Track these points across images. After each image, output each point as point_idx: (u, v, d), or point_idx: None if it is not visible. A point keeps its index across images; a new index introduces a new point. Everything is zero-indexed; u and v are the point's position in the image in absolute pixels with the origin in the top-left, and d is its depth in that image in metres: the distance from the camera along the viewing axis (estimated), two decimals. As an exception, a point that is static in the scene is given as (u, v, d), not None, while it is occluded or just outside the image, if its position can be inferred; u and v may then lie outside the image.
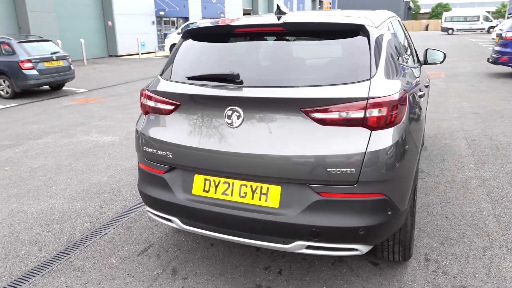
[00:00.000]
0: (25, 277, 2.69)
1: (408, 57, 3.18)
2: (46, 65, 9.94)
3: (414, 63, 3.42)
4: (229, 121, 2.17)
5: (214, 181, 2.26)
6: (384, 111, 2.02)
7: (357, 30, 2.26)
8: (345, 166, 1.99)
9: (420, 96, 2.84)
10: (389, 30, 2.62)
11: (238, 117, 2.15)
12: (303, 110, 2.03)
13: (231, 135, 2.16)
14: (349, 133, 2.02)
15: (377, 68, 2.14)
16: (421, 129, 2.67)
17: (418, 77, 3.01)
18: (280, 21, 2.31)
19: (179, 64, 2.51)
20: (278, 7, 2.61)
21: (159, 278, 2.62)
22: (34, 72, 9.65)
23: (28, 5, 17.10)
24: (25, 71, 9.53)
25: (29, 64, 9.55)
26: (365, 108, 2.00)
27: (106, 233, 3.22)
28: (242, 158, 2.11)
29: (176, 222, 2.40)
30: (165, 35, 25.44)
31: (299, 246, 2.12)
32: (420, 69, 3.49)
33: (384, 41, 2.36)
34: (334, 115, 2.01)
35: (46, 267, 2.79)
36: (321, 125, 2.03)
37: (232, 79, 2.20)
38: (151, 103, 2.46)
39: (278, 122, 2.10)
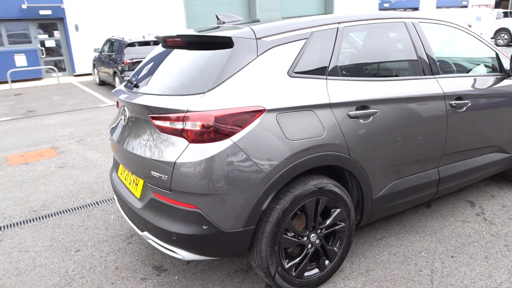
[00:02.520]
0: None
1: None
2: None
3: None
4: (122, 118, 2.61)
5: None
6: (198, 126, 2.05)
7: (226, 42, 2.26)
8: (161, 171, 2.15)
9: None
10: (309, 39, 2.39)
11: (125, 116, 2.56)
12: (150, 116, 2.27)
13: (123, 130, 2.59)
14: (172, 142, 2.15)
15: (222, 82, 2.13)
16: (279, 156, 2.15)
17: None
18: (176, 34, 2.53)
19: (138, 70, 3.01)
20: (216, 16, 2.79)
21: (117, 238, 3.29)
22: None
23: (258, 5, 19.96)
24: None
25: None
26: (183, 120, 2.08)
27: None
28: (124, 151, 2.51)
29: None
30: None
31: (146, 235, 2.40)
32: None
33: (268, 54, 2.25)
34: (164, 124, 2.17)
35: (78, 210, 3.87)
36: (158, 131, 2.23)
37: (135, 85, 2.61)
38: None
39: (141, 125, 2.40)
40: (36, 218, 3.73)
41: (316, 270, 2.50)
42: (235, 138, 2.07)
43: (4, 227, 3.59)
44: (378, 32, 2.78)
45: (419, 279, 2.57)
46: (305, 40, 2.40)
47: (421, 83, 2.79)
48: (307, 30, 2.43)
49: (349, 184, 2.63)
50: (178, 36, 2.52)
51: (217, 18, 2.83)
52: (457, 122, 2.96)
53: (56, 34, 14.74)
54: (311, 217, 2.37)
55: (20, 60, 13.87)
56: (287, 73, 2.28)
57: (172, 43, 2.64)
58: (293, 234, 2.35)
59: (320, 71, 2.40)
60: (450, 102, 2.89)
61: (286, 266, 2.35)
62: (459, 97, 2.96)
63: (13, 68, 13.41)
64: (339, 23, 2.56)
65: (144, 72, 2.68)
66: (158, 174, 2.17)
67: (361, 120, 2.45)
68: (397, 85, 2.66)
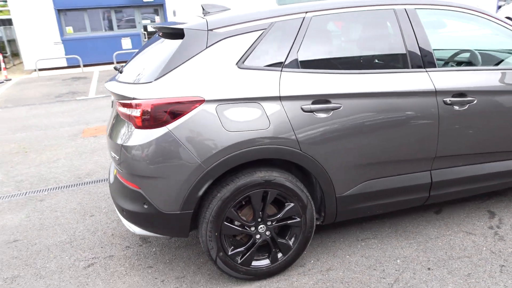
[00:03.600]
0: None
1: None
2: None
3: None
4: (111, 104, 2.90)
5: None
6: (138, 113, 2.21)
7: (180, 34, 2.37)
8: (115, 152, 2.38)
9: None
10: (268, 30, 2.36)
11: (112, 102, 2.84)
12: (116, 102, 2.50)
13: (111, 114, 2.89)
14: (126, 127, 2.36)
15: (168, 72, 2.25)
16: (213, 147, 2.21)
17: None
18: (156, 25, 2.70)
19: None
20: (202, 7, 2.91)
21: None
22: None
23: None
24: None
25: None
26: (130, 107, 2.26)
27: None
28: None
29: None
30: (498, 7, 21.60)
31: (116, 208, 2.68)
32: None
33: (219, 45, 2.30)
34: (122, 110, 2.38)
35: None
36: (120, 116, 2.45)
37: (121, 72, 2.85)
38: None
39: (114, 110, 2.65)
40: (77, 184, 4.32)
41: (267, 262, 2.52)
42: (171, 126, 2.19)
43: (51, 189, 4.24)
44: (356, 22, 2.60)
45: (376, 286, 2.42)
46: (263, 31, 2.38)
47: (403, 77, 2.54)
48: (267, 21, 2.40)
49: (313, 180, 2.56)
50: (154, 26, 2.70)
51: (203, 9, 2.92)
52: (455, 122, 2.63)
53: (157, 19, 16.08)
54: (258, 208, 2.39)
55: (126, 43, 15.51)
56: (236, 64, 2.30)
57: (158, 32, 2.83)
58: (239, 223, 2.40)
59: (275, 63, 2.36)
60: (445, 99, 2.58)
61: (230, 253, 2.42)
62: (460, 93, 2.62)
63: (120, 50, 15.07)
64: (306, 12, 2.46)
65: (131, 61, 2.92)
66: (114, 154, 2.41)
67: (318, 115, 2.36)
68: (369, 78, 2.47)
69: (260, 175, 2.34)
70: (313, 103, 2.35)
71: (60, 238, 3.23)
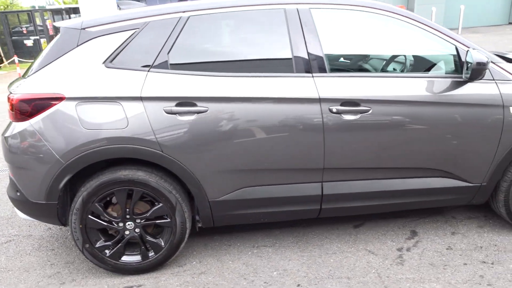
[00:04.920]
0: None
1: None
2: None
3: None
4: None
5: None
6: (9, 106, 2.36)
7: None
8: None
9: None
10: (141, 30, 2.37)
11: None
12: None
13: None
14: None
15: (40, 69, 2.36)
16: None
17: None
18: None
19: None
20: (117, 4, 2.99)
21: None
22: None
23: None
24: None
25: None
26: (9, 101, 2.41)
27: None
28: None
29: None
30: None
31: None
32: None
33: (88, 44, 2.37)
34: None
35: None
36: None
37: None
38: None
39: None
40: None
41: (138, 258, 2.57)
42: (33, 120, 2.31)
43: None
44: (240, 22, 2.48)
45: (233, 296, 2.37)
46: (135, 30, 2.38)
47: (283, 82, 2.39)
48: (141, 20, 2.40)
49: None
50: None
51: (118, 6, 2.98)
52: (344, 132, 2.43)
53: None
54: (123, 205, 2.44)
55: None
56: (103, 63, 2.35)
57: None
58: (106, 218, 2.47)
59: (143, 63, 2.36)
60: (331, 108, 2.39)
61: (97, 245, 2.50)
62: (352, 102, 2.41)
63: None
64: (184, 11, 2.42)
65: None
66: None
67: (181, 117, 2.32)
68: (242, 82, 2.36)
69: (124, 173, 2.38)
70: (176, 105, 2.32)
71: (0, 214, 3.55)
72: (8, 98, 2.39)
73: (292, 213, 2.63)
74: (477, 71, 2.35)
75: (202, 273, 2.59)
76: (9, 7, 23.21)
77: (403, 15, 2.53)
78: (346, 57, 2.75)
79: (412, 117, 2.47)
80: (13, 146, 2.36)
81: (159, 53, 2.37)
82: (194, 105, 2.34)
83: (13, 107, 2.34)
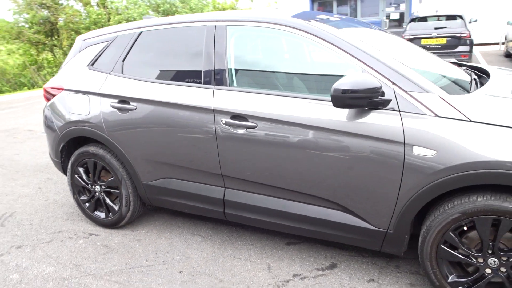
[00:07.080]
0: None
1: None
2: (423, 42, 9.68)
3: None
4: None
5: None
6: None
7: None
8: None
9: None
10: (113, 41, 3.10)
11: None
12: None
13: None
14: None
15: (61, 68, 3.41)
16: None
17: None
18: None
19: None
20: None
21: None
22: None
23: None
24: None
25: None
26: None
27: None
28: None
29: None
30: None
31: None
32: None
33: (84, 51, 3.27)
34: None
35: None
36: None
37: None
38: None
39: None
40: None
41: (103, 215, 3.36)
42: (49, 102, 3.37)
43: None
44: (170, 37, 2.85)
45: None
46: (109, 42, 3.11)
47: (190, 91, 2.67)
48: (114, 34, 3.12)
49: None
50: None
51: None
52: (233, 144, 2.54)
53: (402, 6, 15.54)
54: (93, 172, 3.26)
55: (364, 31, 16.01)
56: (87, 66, 3.19)
57: None
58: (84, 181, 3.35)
59: (107, 68, 3.08)
60: (222, 119, 2.54)
61: (80, 198, 3.42)
62: (241, 116, 2.50)
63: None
64: (141, 27, 2.99)
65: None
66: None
67: (119, 112, 2.95)
68: (161, 88, 2.78)
69: (92, 148, 3.20)
70: (118, 103, 2.96)
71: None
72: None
73: (201, 209, 2.90)
74: (337, 99, 2.07)
75: (137, 240, 3.18)
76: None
77: (313, 34, 2.39)
78: (253, 73, 2.73)
79: (302, 140, 2.35)
80: (44, 119, 3.51)
81: (117, 60, 3.05)
82: (128, 103, 2.92)
83: (45, 93, 3.47)
